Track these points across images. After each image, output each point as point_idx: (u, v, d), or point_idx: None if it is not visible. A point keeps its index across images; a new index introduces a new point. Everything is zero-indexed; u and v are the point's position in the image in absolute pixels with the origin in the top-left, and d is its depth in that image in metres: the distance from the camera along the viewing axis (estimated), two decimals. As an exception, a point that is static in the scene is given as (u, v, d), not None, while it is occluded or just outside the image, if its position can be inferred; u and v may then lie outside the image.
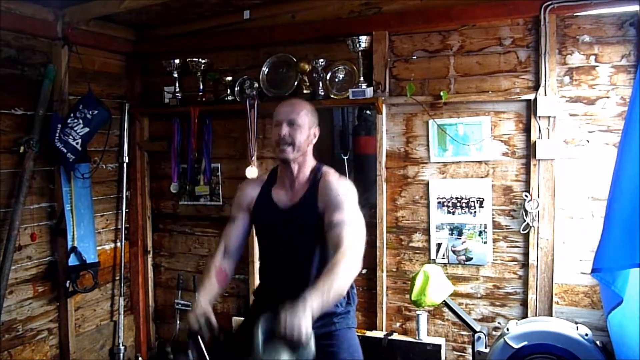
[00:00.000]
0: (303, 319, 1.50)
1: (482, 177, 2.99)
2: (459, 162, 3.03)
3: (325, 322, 1.96)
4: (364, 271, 3.29)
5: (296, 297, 1.64)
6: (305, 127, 1.99)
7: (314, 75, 3.21)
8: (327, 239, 1.87)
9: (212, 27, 3.52)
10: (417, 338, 2.99)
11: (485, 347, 2.70)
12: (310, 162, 2.06)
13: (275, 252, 2.07)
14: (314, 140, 2.07)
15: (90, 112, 3.28)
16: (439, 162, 3.08)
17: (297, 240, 1.98)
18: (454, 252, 3.05)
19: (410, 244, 3.16)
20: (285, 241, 2.01)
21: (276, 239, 2.04)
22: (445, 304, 2.77)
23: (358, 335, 3.06)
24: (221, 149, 3.64)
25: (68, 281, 3.31)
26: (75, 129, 3.22)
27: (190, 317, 1.82)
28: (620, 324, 2.32)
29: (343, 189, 1.94)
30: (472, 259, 3.01)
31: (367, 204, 3.31)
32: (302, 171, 2.02)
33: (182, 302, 3.72)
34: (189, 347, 1.82)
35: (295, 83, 3.34)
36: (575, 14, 2.76)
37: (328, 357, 1.94)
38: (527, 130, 2.88)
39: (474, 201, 3.00)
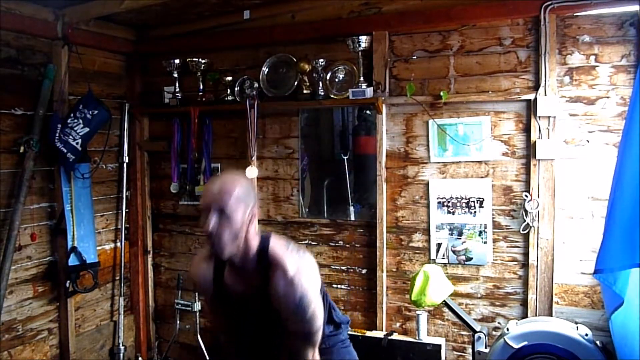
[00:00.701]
0: None
1: (482, 177, 2.99)
2: (459, 162, 3.03)
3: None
4: (364, 271, 3.30)
5: None
6: (237, 217, 1.68)
7: (314, 75, 3.21)
8: (285, 338, 1.81)
9: (212, 27, 3.52)
10: (417, 338, 2.99)
11: (485, 347, 2.70)
12: (254, 244, 1.77)
13: (239, 330, 1.94)
14: (255, 220, 1.77)
15: (90, 112, 3.28)
16: (439, 162, 3.08)
17: (257, 324, 1.87)
18: (454, 252, 3.05)
19: (410, 244, 3.16)
20: (245, 325, 1.90)
21: (238, 321, 1.91)
22: (445, 304, 2.77)
23: (358, 336, 3.08)
24: (221, 149, 3.64)
25: (68, 281, 3.31)
26: (75, 129, 3.22)
27: None
28: (622, 325, 2.32)
29: (296, 298, 1.71)
30: (472, 259, 3.01)
31: (367, 204, 3.31)
32: (247, 258, 1.77)
33: (182, 302, 3.72)
34: None
35: (295, 83, 3.34)
36: (575, 14, 2.76)
37: None
38: (527, 130, 2.88)
39: (474, 201, 3.00)
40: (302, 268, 1.74)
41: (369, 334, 3.11)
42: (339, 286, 3.36)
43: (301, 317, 1.74)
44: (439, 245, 3.08)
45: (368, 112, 3.35)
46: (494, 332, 2.94)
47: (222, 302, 1.89)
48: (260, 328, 1.88)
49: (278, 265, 1.73)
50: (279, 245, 1.79)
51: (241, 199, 1.69)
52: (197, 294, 2.02)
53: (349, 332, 3.09)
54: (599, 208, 2.76)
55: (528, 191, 2.87)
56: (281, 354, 1.88)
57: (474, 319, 2.90)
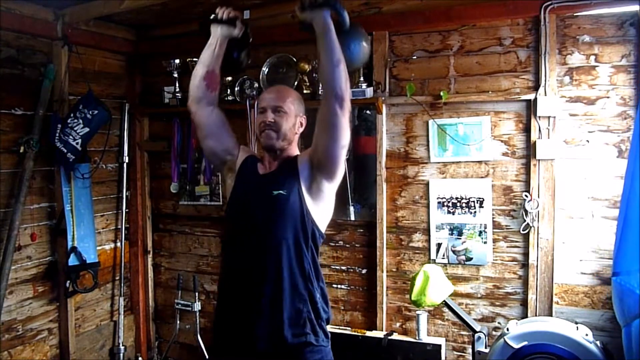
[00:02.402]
0: None
1: (482, 177, 2.99)
2: (459, 162, 3.03)
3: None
4: (364, 271, 3.30)
5: (263, 295, 1.76)
6: (291, 115, 1.93)
7: (314, 75, 3.21)
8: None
9: (212, 27, 3.52)
10: (417, 338, 2.99)
11: (485, 347, 2.70)
12: (295, 152, 1.99)
13: (242, 229, 1.92)
14: (301, 129, 1.99)
15: (90, 112, 3.28)
16: (439, 162, 3.08)
17: (268, 209, 1.86)
18: (454, 252, 3.05)
19: (410, 244, 3.16)
20: (255, 212, 1.89)
21: (246, 209, 1.92)
22: (445, 304, 2.77)
23: (358, 336, 3.08)
24: (221, 149, 3.63)
25: (68, 281, 3.31)
26: (75, 129, 3.22)
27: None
28: None
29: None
30: (472, 259, 3.01)
31: (367, 204, 3.31)
32: (286, 153, 1.97)
33: (182, 302, 3.72)
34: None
35: (295, 83, 3.34)
36: (575, 14, 2.76)
37: None
38: (527, 130, 2.88)
39: (474, 201, 3.00)
40: None
41: (369, 334, 3.11)
42: (339, 286, 3.36)
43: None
44: (439, 245, 3.08)
45: (368, 112, 3.34)
46: (494, 332, 2.94)
47: (239, 181, 2.01)
48: (268, 222, 1.86)
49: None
50: None
51: (296, 103, 1.96)
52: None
53: (348, 333, 3.11)
54: (599, 208, 2.76)
55: (528, 191, 2.87)
56: (262, 269, 1.84)
57: (474, 319, 2.90)
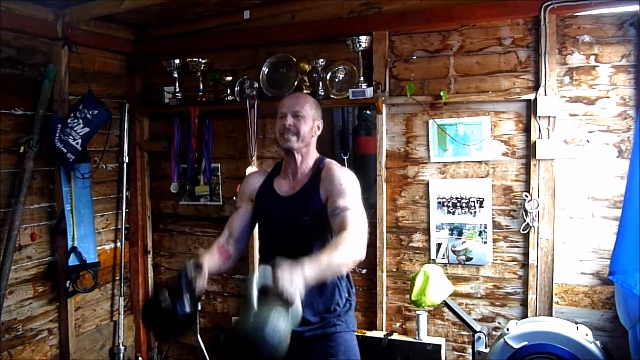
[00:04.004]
0: (295, 278, 1.52)
1: (482, 177, 2.99)
2: (459, 162, 3.03)
3: (325, 323, 1.98)
4: (364, 271, 3.30)
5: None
6: (309, 119, 2.03)
7: (314, 75, 3.21)
8: (331, 225, 1.89)
9: (212, 27, 3.52)
10: (417, 338, 2.99)
11: (485, 347, 2.70)
12: (314, 154, 2.10)
13: (274, 245, 2.06)
14: (318, 133, 2.10)
15: (90, 112, 3.28)
16: (439, 162, 3.08)
17: (296, 232, 1.98)
18: (454, 252, 3.05)
19: (410, 244, 3.16)
20: (283, 233, 2.01)
21: (275, 230, 2.05)
22: (445, 304, 2.77)
23: (358, 336, 3.07)
24: (221, 149, 3.64)
25: (68, 281, 3.31)
26: (75, 129, 3.22)
27: (185, 263, 1.89)
28: None
29: (346, 177, 1.96)
30: (472, 259, 3.01)
31: (367, 204, 3.31)
32: (305, 162, 2.06)
33: (182, 302, 3.71)
34: (179, 281, 1.83)
35: (295, 83, 3.34)
36: (575, 14, 2.76)
37: (326, 357, 1.94)
38: (527, 130, 2.88)
39: (474, 201, 3.00)
40: (354, 179, 1.99)
41: (369, 334, 3.10)
42: (339, 286, 3.36)
43: (349, 192, 1.90)
44: (439, 245, 3.08)
45: (368, 112, 3.35)
46: (494, 332, 2.94)
47: (262, 202, 2.09)
48: (295, 235, 1.97)
49: (333, 166, 2.04)
50: (335, 162, 2.09)
51: (313, 108, 2.06)
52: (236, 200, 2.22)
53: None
54: (599, 208, 2.76)
55: (528, 191, 2.87)
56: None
57: (474, 319, 2.90)
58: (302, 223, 1.97)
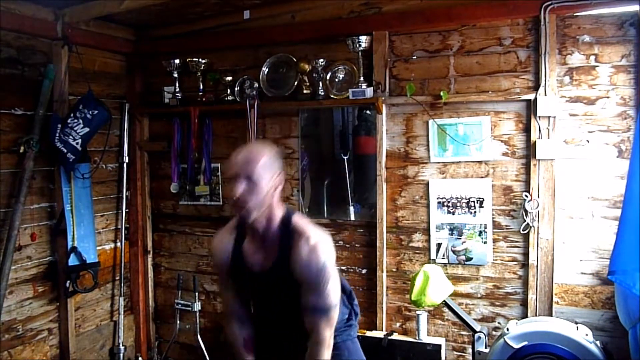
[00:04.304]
0: None
1: (482, 177, 2.99)
2: (459, 162, 3.03)
3: None
4: (364, 271, 3.30)
5: (288, 342, 1.83)
6: (264, 182, 1.75)
7: (314, 75, 3.21)
8: (303, 315, 1.83)
9: (212, 27, 3.52)
10: (417, 338, 2.99)
11: (485, 347, 2.70)
12: (278, 213, 1.84)
13: (259, 303, 2.02)
14: (280, 187, 1.83)
15: (90, 112, 3.28)
16: (439, 162, 3.08)
17: (274, 302, 1.92)
18: (454, 252, 3.05)
19: (410, 244, 3.16)
20: (262, 302, 1.97)
21: (256, 295, 1.98)
22: (445, 304, 2.77)
23: (358, 336, 3.07)
24: (221, 149, 3.64)
25: (68, 281, 3.30)
26: (75, 129, 3.22)
27: None
28: None
29: (317, 266, 1.76)
30: (472, 259, 3.01)
31: (367, 204, 3.31)
32: (270, 226, 1.82)
33: (182, 302, 3.72)
34: None
35: (295, 83, 3.34)
36: (575, 14, 2.76)
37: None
38: (527, 130, 2.88)
39: (474, 201, 3.00)
40: (325, 240, 1.82)
41: (369, 334, 3.10)
42: (339, 286, 3.36)
43: (321, 287, 1.78)
44: (439, 245, 3.08)
45: (368, 112, 3.34)
46: (494, 332, 2.94)
47: (237, 275, 1.93)
48: (274, 305, 1.91)
49: (302, 233, 1.80)
50: (302, 218, 1.88)
51: (267, 167, 1.76)
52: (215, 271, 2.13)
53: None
54: (599, 208, 2.76)
55: (528, 191, 2.87)
56: (293, 332, 1.90)
57: (474, 319, 2.90)
58: (279, 295, 1.89)
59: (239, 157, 1.78)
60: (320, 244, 1.79)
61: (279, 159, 1.85)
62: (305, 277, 1.78)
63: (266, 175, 1.75)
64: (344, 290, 2.04)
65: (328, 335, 1.81)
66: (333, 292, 1.81)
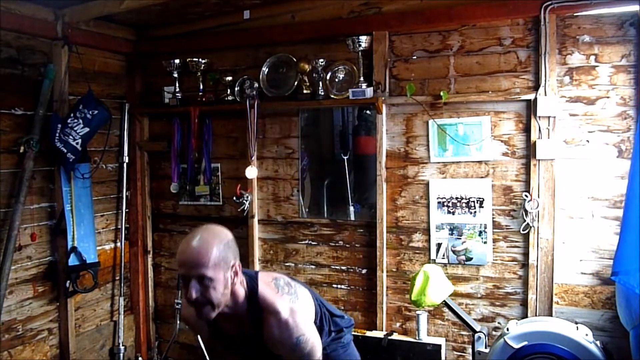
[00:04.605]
0: None
1: (482, 177, 2.99)
2: (459, 162, 3.03)
3: None
4: (364, 271, 3.30)
5: None
6: (219, 278, 1.61)
7: (314, 75, 3.21)
8: None
9: (212, 27, 3.52)
10: (417, 338, 2.99)
11: (485, 347, 2.70)
12: (241, 293, 1.73)
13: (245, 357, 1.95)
14: (239, 274, 1.71)
15: (90, 112, 3.28)
16: (439, 162, 3.07)
17: (260, 356, 1.86)
18: (454, 252, 3.05)
19: (410, 244, 3.16)
20: (249, 355, 1.89)
21: (241, 352, 1.91)
22: (445, 304, 2.77)
23: (358, 336, 3.08)
24: (221, 149, 3.64)
25: (68, 281, 3.30)
26: (75, 129, 3.22)
27: None
28: None
29: (291, 341, 1.71)
30: (472, 259, 3.01)
31: (367, 204, 3.31)
32: (237, 307, 1.74)
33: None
34: None
35: (295, 83, 3.34)
36: (575, 14, 2.76)
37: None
38: (527, 130, 2.88)
39: (474, 201, 3.00)
40: (295, 309, 1.73)
41: (369, 334, 3.10)
42: (339, 286, 3.36)
43: (299, 355, 1.73)
44: (439, 245, 3.08)
45: (368, 112, 3.34)
46: (494, 332, 2.94)
47: (218, 339, 1.90)
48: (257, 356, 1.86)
49: (270, 310, 1.71)
50: (267, 289, 1.75)
51: (220, 260, 1.61)
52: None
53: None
54: (599, 208, 2.76)
55: (528, 191, 2.87)
56: None
57: (474, 319, 2.90)
58: (263, 356, 1.84)
59: (187, 255, 1.61)
60: (290, 320, 1.70)
61: (232, 245, 1.70)
62: (282, 352, 1.74)
63: (221, 270, 1.61)
64: (332, 314, 2.03)
65: None
66: (314, 352, 1.76)
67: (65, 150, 3.17)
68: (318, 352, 1.80)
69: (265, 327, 1.72)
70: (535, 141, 2.83)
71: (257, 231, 3.54)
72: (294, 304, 1.76)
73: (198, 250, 1.61)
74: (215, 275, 1.60)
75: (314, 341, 1.77)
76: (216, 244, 1.64)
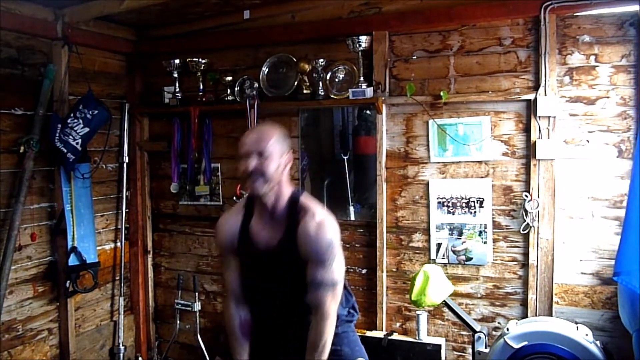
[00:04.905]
0: None
1: (482, 177, 2.99)
2: (459, 162, 3.03)
3: None
4: (364, 271, 3.30)
5: (280, 333, 1.89)
6: (275, 157, 1.84)
7: (314, 75, 3.21)
8: (308, 291, 1.86)
9: (212, 27, 3.52)
10: (417, 338, 2.99)
11: (485, 347, 2.70)
12: (287, 191, 1.91)
13: (261, 283, 2.00)
14: (289, 166, 1.92)
15: (90, 112, 3.28)
16: (439, 162, 3.08)
17: (280, 276, 1.93)
18: (454, 252, 3.05)
19: (410, 244, 3.16)
20: (268, 277, 1.96)
21: (260, 274, 1.98)
22: (445, 304, 2.77)
23: (359, 336, 3.07)
24: (221, 149, 3.64)
25: (68, 281, 3.30)
26: (75, 129, 3.22)
27: None
28: None
29: (324, 241, 1.82)
30: (472, 259, 3.01)
31: (367, 204, 3.31)
32: (278, 203, 1.89)
33: (182, 302, 3.72)
34: None
35: (295, 83, 3.34)
36: (575, 14, 2.76)
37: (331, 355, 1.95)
38: (527, 130, 2.88)
39: (474, 201, 3.00)
40: (331, 219, 1.89)
41: (369, 334, 3.10)
42: (339, 286, 3.36)
43: (328, 262, 1.83)
44: (439, 245, 3.08)
45: (368, 112, 3.34)
46: (494, 332, 2.94)
47: (242, 254, 1.97)
48: (277, 285, 1.93)
49: (309, 210, 1.87)
50: (308, 199, 1.93)
51: (278, 144, 1.87)
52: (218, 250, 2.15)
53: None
54: (599, 208, 2.76)
55: (528, 191, 2.87)
56: (294, 315, 1.93)
57: (474, 319, 2.90)
58: (283, 276, 1.92)
59: (251, 137, 1.88)
60: (327, 221, 1.86)
61: (287, 140, 1.94)
62: (313, 252, 1.83)
63: (276, 152, 1.85)
64: (344, 286, 2.06)
65: (333, 310, 1.85)
66: (338, 268, 1.87)
67: (65, 150, 3.17)
68: (342, 271, 1.90)
69: (301, 227, 1.85)
70: (535, 141, 2.83)
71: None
72: (331, 216, 1.91)
73: (260, 133, 1.89)
74: (272, 153, 1.83)
75: (340, 257, 1.89)
76: (276, 133, 1.90)
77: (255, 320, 2.06)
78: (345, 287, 2.06)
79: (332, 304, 1.86)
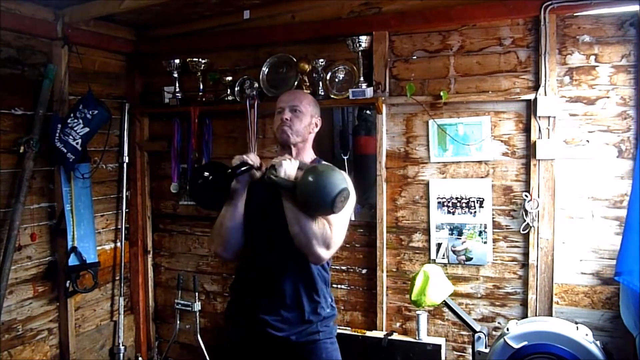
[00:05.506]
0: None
1: (482, 177, 2.99)
2: (459, 162, 3.03)
3: (312, 328, 1.98)
4: (364, 271, 3.30)
5: (274, 293, 1.93)
6: (307, 115, 2.08)
7: (314, 75, 3.21)
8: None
9: (212, 27, 3.52)
10: (417, 338, 2.99)
11: (485, 347, 2.70)
12: (310, 153, 2.14)
13: (260, 244, 2.01)
14: (316, 129, 2.14)
15: (90, 112, 3.28)
16: (439, 162, 3.08)
17: (283, 228, 1.91)
18: (454, 252, 3.05)
19: (410, 244, 3.16)
20: (269, 231, 1.97)
21: (261, 226, 1.99)
22: (445, 304, 2.77)
23: (358, 336, 3.09)
24: (221, 149, 3.64)
25: (68, 281, 3.31)
26: (75, 129, 3.22)
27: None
28: None
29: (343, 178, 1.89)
30: (472, 259, 3.01)
31: (367, 204, 3.31)
32: (300, 157, 2.05)
33: (182, 302, 3.72)
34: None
35: (295, 83, 3.34)
36: (575, 14, 2.76)
37: None
38: (527, 130, 2.88)
39: (474, 201, 3.00)
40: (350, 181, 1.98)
41: (369, 334, 3.11)
42: (339, 286, 3.36)
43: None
44: (439, 245, 3.08)
45: (368, 112, 3.34)
46: (494, 332, 2.94)
47: (251, 198, 2.01)
48: (282, 231, 1.90)
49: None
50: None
51: (310, 106, 2.11)
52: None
53: (348, 333, 3.11)
54: (599, 208, 2.76)
55: (528, 191, 2.87)
56: (291, 263, 1.96)
57: (474, 319, 2.90)
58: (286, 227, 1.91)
59: (287, 94, 2.16)
60: (345, 174, 1.94)
61: (319, 107, 2.17)
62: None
63: (308, 112, 2.08)
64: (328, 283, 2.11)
65: (334, 238, 1.91)
66: (344, 220, 2.03)
67: (65, 150, 3.17)
68: (344, 230, 2.04)
69: None
70: (535, 141, 2.83)
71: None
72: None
73: (297, 93, 2.22)
74: (304, 111, 2.08)
75: (346, 219, 2.06)
76: (310, 97, 2.19)
77: (249, 268, 2.06)
78: (328, 284, 2.09)
79: (336, 236, 1.93)
